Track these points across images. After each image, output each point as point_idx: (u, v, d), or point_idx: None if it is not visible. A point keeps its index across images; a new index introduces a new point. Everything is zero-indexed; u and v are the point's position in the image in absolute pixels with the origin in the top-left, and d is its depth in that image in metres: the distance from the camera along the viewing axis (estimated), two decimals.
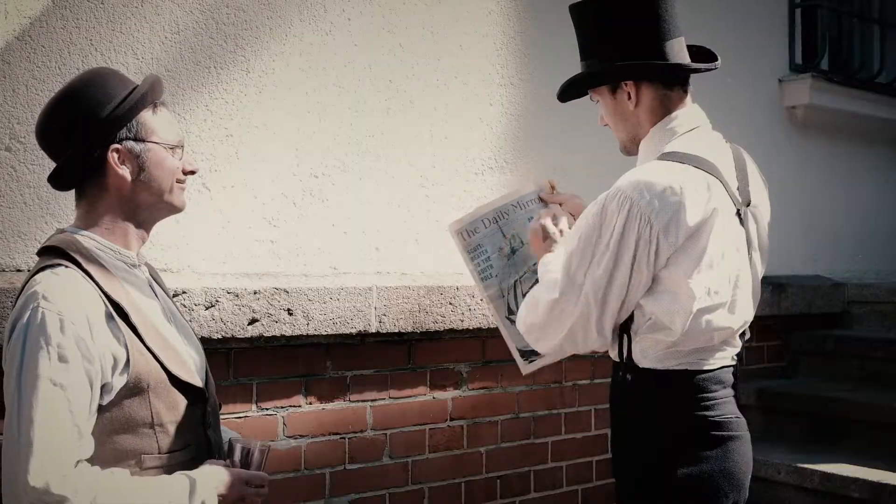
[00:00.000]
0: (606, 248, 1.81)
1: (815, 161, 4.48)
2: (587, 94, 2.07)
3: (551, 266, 1.99)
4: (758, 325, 3.92)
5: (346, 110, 2.84)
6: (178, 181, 1.72)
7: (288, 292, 2.51)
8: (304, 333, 2.54)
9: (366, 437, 2.75)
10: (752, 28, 4.17)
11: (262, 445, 1.73)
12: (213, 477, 1.62)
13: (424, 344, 2.89)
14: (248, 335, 2.45)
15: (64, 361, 1.47)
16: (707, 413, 1.93)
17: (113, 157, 1.62)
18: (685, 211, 1.80)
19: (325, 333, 2.59)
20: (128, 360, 1.56)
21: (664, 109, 1.96)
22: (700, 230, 1.82)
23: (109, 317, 1.56)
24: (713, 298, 1.86)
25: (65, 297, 1.51)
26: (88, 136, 1.60)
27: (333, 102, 2.81)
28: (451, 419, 2.96)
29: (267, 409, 2.56)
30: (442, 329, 2.85)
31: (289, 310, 2.50)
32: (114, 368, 1.55)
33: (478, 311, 2.92)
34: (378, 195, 2.91)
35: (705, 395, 1.94)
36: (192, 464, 1.65)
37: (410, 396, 2.86)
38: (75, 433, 1.47)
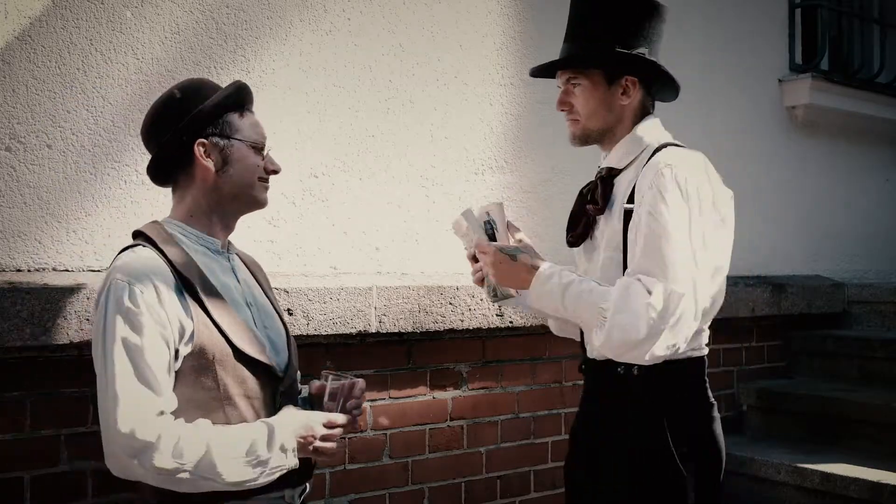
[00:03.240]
0: (694, 225, 1.89)
1: (815, 161, 4.48)
2: (555, 75, 2.10)
3: (591, 286, 1.90)
4: (758, 325, 3.96)
5: (346, 110, 2.84)
6: (261, 179, 1.89)
7: (288, 292, 2.51)
8: (304, 333, 2.54)
9: (366, 437, 2.75)
10: (752, 28, 4.18)
11: (353, 381, 1.89)
12: (292, 421, 1.75)
13: (424, 344, 2.89)
14: None
15: (139, 324, 1.64)
16: (706, 394, 2.05)
17: (199, 150, 1.81)
18: (721, 189, 1.99)
19: (325, 333, 2.59)
20: (193, 332, 1.70)
21: (644, 111, 2.08)
22: (728, 208, 2.02)
23: (179, 290, 1.71)
24: (720, 274, 2.01)
25: (138, 270, 1.69)
26: (176, 128, 1.80)
27: (333, 102, 2.81)
28: (451, 419, 2.96)
29: None
30: (442, 329, 2.85)
31: (289, 310, 2.50)
32: (181, 335, 1.69)
33: (478, 312, 2.92)
34: (378, 195, 2.91)
35: (704, 378, 2.05)
36: None
37: (410, 396, 2.86)
38: (156, 387, 1.63)
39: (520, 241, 2.06)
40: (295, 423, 1.75)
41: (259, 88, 2.64)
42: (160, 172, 1.89)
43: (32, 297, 2.06)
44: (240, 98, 1.88)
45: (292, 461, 1.73)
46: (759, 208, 4.16)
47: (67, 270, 2.27)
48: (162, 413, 1.63)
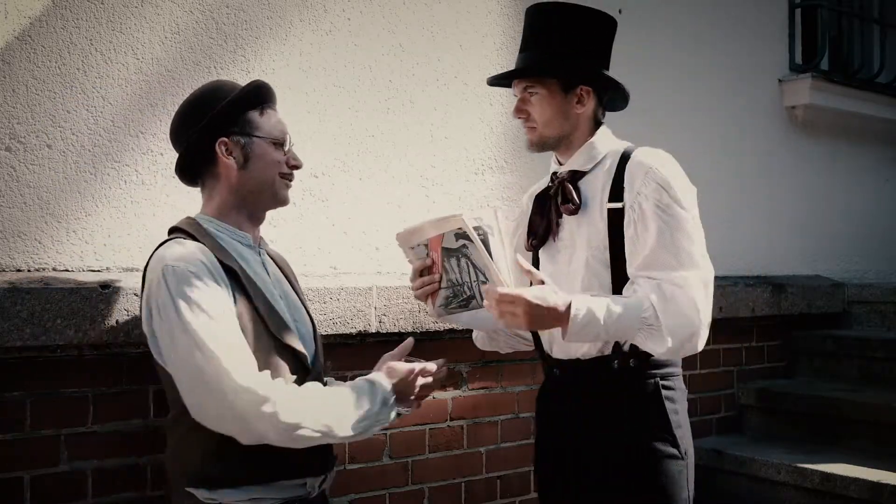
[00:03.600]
0: (696, 218, 2.00)
1: (815, 161, 4.48)
2: (511, 84, 2.17)
3: (621, 303, 1.91)
4: (758, 325, 3.96)
5: (346, 110, 2.84)
6: (283, 174, 1.95)
7: None
8: None
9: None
10: (752, 28, 4.18)
11: (425, 364, 1.99)
12: (387, 375, 1.88)
13: (424, 344, 2.88)
14: None
15: (210, 297, 1.71)
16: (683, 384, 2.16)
17: (220, 148, 1.88)
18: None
19: (326, 333, 2.58)
20: (237, 314, 1.76)
21: (596, 121, 2.16)
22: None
23: (223, 276, 1.78)
24: None
25: (188, 256, 1.76)
26: (198, 128, 1.87)
27: (333, 102, 2.81)
28: (451, 419, 2.96)
29: None
30: (442, 329, 2.85)
31: None
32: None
33: None
34: (378, 195, 2.91)
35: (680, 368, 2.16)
36: None
37: None
38: (248, 352, 1.71)
39: (541, 281, 1.97)
40: (391, 375, 1.88)
41: None
42: (187, 172, 1.96)
43: (32, 297, 2.06)
44: (258, 96, 1.93)
45: (392, 413, 1.85)
46: (758, 208, 4.16)
47: (67, 270, 2.27)
48: (263, 374, 1.70)
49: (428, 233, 2.00)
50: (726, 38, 4.04)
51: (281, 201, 1.97)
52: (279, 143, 1.93)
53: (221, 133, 1.88)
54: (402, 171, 2.97)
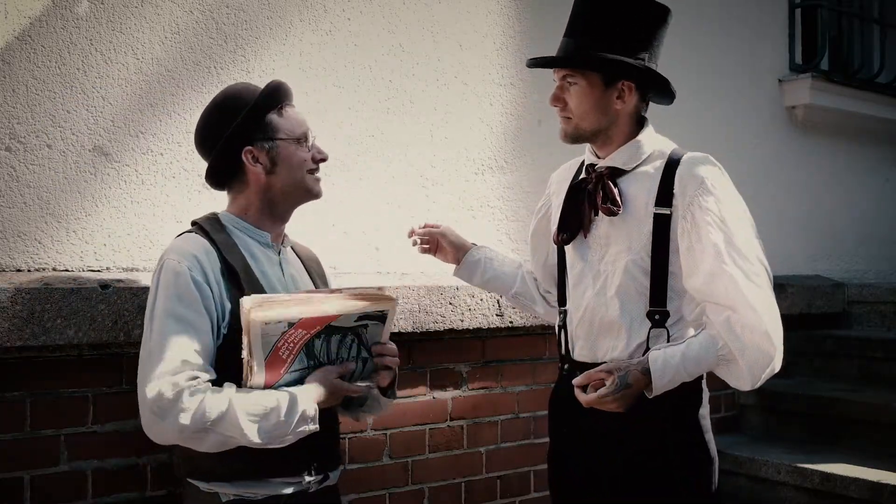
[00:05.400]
0: (751, 227, 2.00)
1: (815, 161, 4.48)
2: (552, 68, 2.07)
3: (693, 349, 1.92)
4: None
5: (345, 110, 2.84)
6: (310, 171, 1.97)
7: None
8: None
9: (366, 437, 2.75)
10: (752, 28, 4.18)
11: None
12: (313, 388, 1.80)
13: (424, 344, 2.89)
14: None
15: (187, 299, 1.76)
16: None
17: (247, 157, 1.91)
18: None
19: None
20: (230, 311, 1.81)
21: (639, 118, 2.07)
22: None
23: (223, 273, 1.83)
24: None
25: (188, 251, 1.82)
26: (221, 141, 1.90)
27: (333, 102, 2.81)
28: (451, 419, 2.96)
29: None
30: (442, 329, 2.85)
31: None
32: (222, 315, 1.81)
33: (477, 312, 2.92)
34: (378, 195, 2.91)
35: None
36: None
37: (410, 396, 2.86)
38: (196, 354, 1.73)
39: (607, 371, 1.93)
40: (316, 389, 1.81)
41: None
42: (215, 179, 1.99)
43: (32, 297, 2.06)
44: (275, 98, 1.94)
45: (313, 426, 1.78)
46: (758, 208, 4.12)
47: (67, 270, 2.27)
48: (195, 378, 1.71)
49: (310, 311, 1.76)
50: (727, 39, 4.04)
51: (313, 195, 2.00)
52: (302, 141, 1.96)
53: (246, 142, 1.90)
54: (402, 171, 2.97)
